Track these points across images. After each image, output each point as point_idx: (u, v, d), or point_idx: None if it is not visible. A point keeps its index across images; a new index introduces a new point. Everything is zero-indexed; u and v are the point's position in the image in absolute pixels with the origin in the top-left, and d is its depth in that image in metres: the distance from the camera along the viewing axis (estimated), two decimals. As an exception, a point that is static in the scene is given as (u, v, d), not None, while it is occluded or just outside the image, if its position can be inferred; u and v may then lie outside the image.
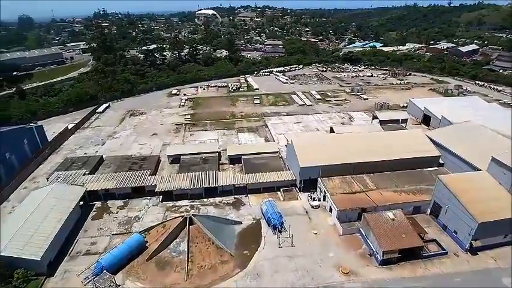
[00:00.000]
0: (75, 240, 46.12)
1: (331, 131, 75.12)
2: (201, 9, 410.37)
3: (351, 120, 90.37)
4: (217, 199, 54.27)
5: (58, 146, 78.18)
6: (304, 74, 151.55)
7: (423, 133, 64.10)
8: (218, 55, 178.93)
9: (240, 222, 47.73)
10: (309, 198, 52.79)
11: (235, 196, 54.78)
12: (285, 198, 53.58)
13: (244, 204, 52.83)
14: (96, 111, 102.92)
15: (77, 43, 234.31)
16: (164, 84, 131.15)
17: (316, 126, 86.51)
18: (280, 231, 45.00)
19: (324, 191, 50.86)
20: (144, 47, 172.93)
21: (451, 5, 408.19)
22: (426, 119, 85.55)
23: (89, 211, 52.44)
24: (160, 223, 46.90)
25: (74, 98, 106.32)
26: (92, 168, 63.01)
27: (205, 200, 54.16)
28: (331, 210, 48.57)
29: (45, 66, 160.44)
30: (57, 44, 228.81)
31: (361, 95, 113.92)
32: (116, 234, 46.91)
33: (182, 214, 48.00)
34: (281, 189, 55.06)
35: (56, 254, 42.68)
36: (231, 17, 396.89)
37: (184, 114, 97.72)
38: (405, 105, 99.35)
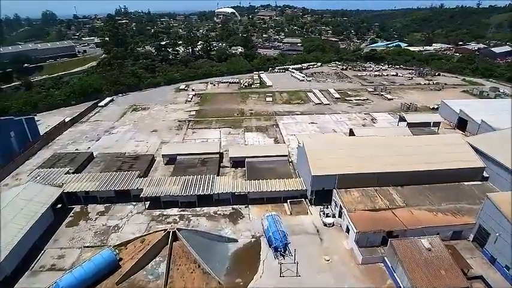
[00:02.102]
0: (43, 251, 39.08)
1: (351, 133, 65.34)
2: (220, 8, 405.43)
3: (374, 122, 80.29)
4: (213, 209, 45.99)
5: (50, 140, 72.23)
6: (322, 72, 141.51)
7: (463, 139, 53.57)
8: (233, 51, 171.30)
9: (236, 240, 39.25)
10: (321, 213, 43.56)
11: (234, 206, 46.40)
12: (292, 211, 44.70)
13: (243, 216, 44.34)
14: (98, 104, 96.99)
15: (92, 38, 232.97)
16: (174, 79, 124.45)
17: (333, 127, 76.83)
18: (283, 255, 36.29)
19: (340, 206, 41.66)
20: (157, 42, 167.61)
21: (480, 6, 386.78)
22: (462, 123, 74.32)
23: (65, 216, 45.42)
24: (140, 236, 39.05)
25: (78, 91, 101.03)
26: (79, 166, 56.38)
27: (198, 209, 46.00)
28: (348, 230, 39.35)
29: (56, 59, 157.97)
30: (76, 39, 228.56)
31: (385, 95, 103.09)
32: (87, 246, 39.49)
33: (167, 226, 39.97)
34: (288, 201, 46.26)
35: (14, 267, 35.77)
36: (250, 16, 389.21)
37: (190, 111, 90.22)
38: (435, 107, 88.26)
